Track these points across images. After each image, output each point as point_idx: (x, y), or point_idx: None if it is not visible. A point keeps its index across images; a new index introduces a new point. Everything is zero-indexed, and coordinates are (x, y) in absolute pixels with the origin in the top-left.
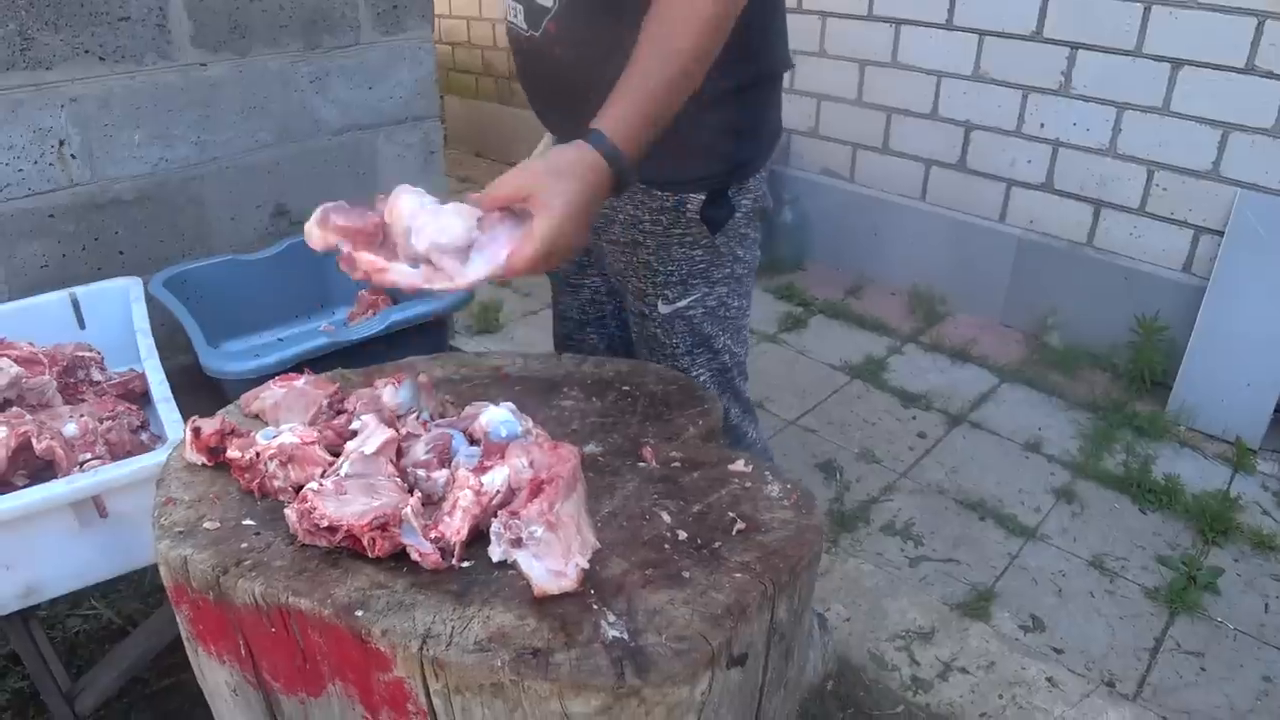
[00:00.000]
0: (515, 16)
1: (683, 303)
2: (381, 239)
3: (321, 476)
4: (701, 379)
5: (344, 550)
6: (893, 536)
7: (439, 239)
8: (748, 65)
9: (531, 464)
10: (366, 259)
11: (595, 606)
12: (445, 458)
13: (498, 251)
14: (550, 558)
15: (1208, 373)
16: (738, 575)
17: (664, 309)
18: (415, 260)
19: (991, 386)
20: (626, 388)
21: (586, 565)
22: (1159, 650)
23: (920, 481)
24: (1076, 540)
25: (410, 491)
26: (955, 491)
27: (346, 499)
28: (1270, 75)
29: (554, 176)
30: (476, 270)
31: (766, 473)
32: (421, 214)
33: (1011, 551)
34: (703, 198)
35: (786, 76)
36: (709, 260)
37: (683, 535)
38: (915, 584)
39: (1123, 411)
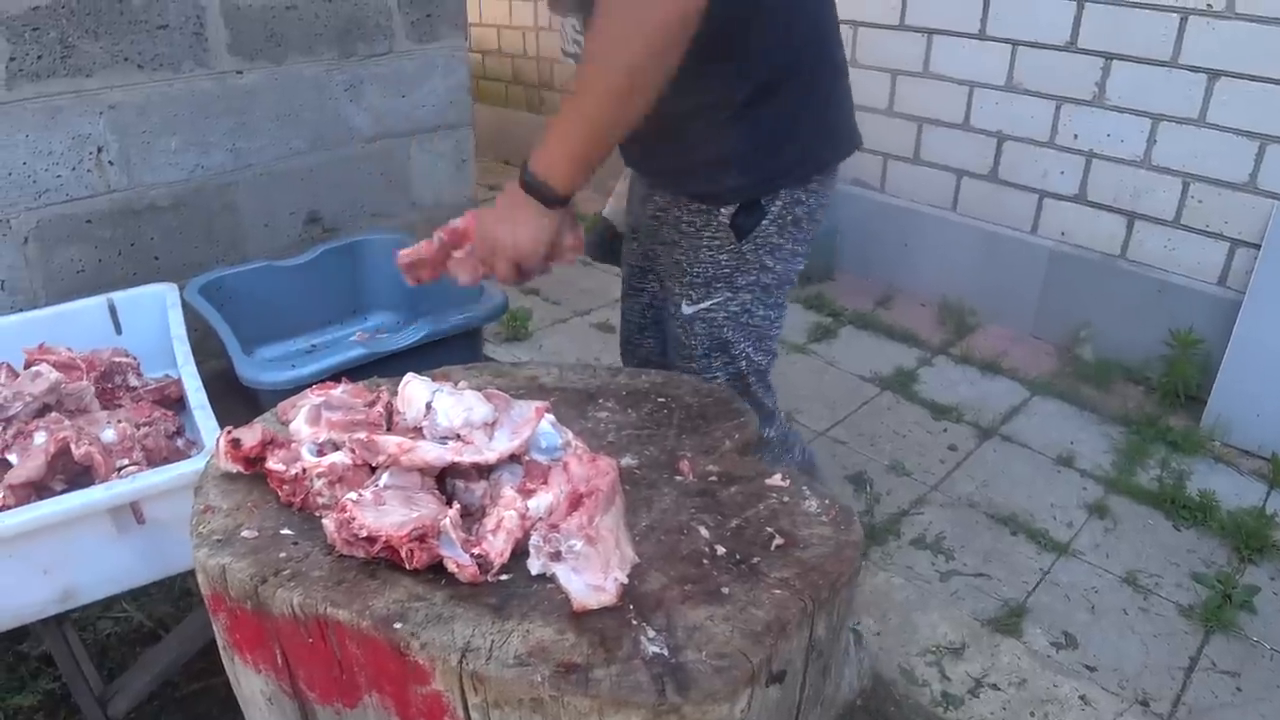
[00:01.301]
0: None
1: (705, 304)
2: (386, 427)
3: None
4: (716, 383)
5: (382, 561)
6: (923, 550)
7: (471, 416)
8: (749, 80)
9: (569, 477)
10: (393, 441)
11: (634, 622)
12: (484, 470)
13: (520, 426)
14: (589, 572)
15: (1243, 387)
16: (777, 591)
17: (686, 309)
18: (439, 437)
19: (1023, 399)
20: (662, 399)
21: (626, 580)
22: (1194, 669)
23: (951, 495)
24: (1109, 556)
25: (448, 503)
26: (986, 505)
27: (385, 509)
28: None
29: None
30: (502, 443)
31: (804, 488)
32: (441, 396)
33: (1043, 567)
34: (735, 209)
35: None
36: (733, 265)
37: (721, 550)
38: (946, 598)
39: (1156, 426)
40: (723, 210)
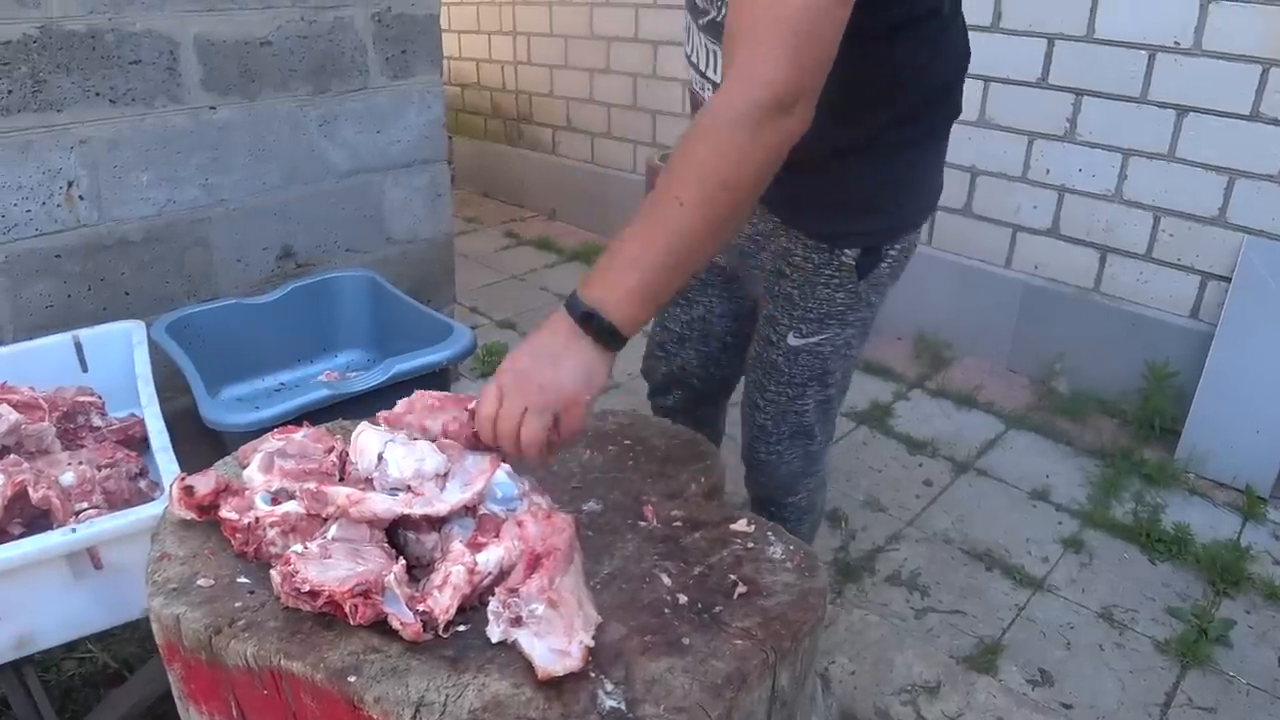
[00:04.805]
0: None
1: (814, 339)
2: (339, 476)
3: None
4: (807, 408)
5: None
6: (898, 587)
7: (422, 467)
8: (904, 124)
9: (524, 535)
10: (342, 493)
11: (593, 674)
12: (436, 522)
13: (474, 477)
14: (553, 636)
15: (1216, 419)
16: (738, 642)
17: (794, 341)
18: (389, 488)
19: (998, 433)
20: (629, 442)
21: (592, 643)
22: (1170, 705)
23: (926, 530)
24: (1085, 591)
25: (400, 556)
26: (962, 541)
27: (330, 563)
28: (1275, 122)
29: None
30: (454, 495)
31: (769, 534)
32: (393, 446)
33: (1019, 603)
34: (859, 251)
35: None
36: (848, 304)
37: (683, 599)
38: (921, 636)
39: (1131, 459)
40: (847, 252)
